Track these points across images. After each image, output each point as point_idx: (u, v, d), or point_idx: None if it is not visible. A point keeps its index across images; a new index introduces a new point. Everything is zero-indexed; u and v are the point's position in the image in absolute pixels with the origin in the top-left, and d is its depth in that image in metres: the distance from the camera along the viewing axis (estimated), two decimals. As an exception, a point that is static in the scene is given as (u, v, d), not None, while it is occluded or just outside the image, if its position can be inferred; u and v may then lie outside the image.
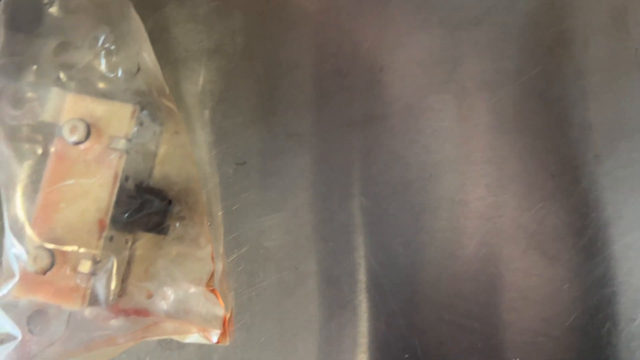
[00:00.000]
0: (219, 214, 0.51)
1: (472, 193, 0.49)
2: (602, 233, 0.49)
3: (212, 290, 0.48)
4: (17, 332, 0.44)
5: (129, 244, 0.47)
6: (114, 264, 0.44)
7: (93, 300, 0.44)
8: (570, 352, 0.49)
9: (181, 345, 0.50)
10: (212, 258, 0.49)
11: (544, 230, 0.50)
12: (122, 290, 0.47)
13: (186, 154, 0.49)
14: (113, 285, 0.44)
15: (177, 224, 0.47)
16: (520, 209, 0.50)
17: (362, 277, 0.50)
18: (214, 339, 0.48)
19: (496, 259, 0.50)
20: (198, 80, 0.51)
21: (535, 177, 0.49)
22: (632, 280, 0.48)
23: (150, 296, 0.46)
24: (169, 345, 0.50)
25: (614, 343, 0.48)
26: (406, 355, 0.48)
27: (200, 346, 0.50)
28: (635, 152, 0.48)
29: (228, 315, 0.50)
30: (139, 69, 0.46)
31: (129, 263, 0.48)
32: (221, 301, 0.48)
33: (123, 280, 0.47)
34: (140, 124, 0.46)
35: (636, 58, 0.51)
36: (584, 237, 0.49)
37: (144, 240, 0.47)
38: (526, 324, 0.49)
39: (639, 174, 0.48)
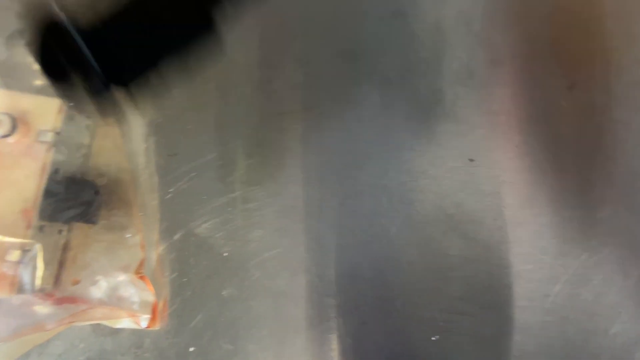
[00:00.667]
0: (153, 203, 0.51)
1: (395, 179, 0.50)
2: (517, 214, 0.49)
3: (142, 277, 0.49)
4: (-55, 319, 0.44)
5: (64, 233, 0.48)
6: (38, 252, 0.44)
7: (22, 288, 0.44)
8: (487, 328, 0.50)
9: (115, 331, 0.51)
10: (142, 246, 0.50)
11: (462, 212, 0.50)
12: (56, 278, 0.48)
13: (117, 146, 0.51)
14: (40, 272, 0.45)
15: (107, 213, 0.48)
16: (440, 193, 0.49)
17: (288, 255, 0.52)
18: (144, 324, 0.50)
19: (417, 240, 0.51)
20: None
21: (454, 162, 0.50)
22: (546, 258, 0.49)
23: (76, 283, 0.48)
24: (102, 331, 0.51)
25: (528, 319, 0.49)
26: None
27: (133, 331, 0.51)
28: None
29: (162, 302, 0.52)
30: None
31: (64, 251, 0.48)
32: (151, 287, 0.50)
33: (59, 268, 0.48)
34: (71, 117, 0.47)
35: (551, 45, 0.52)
36: (499, 219, 0.50)
37: (76, 230, 0.48)
38: (446, 303, 0.50)
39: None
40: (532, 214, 0.50)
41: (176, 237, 0.52)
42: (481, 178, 0.52)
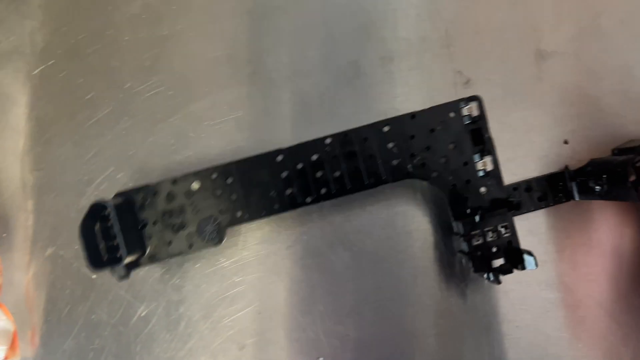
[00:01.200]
0: (22, 223, 0.50)
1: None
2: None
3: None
4: None
5: None
6: None
7: None
8: (370, 351, 0.49)
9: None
10: (0, 270, 0.48)
11: (350, 224, 0.49)
12: None
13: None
14: None
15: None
16: (330, 203, 0.48)
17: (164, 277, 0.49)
18: (1, 355, 0.47)
19: (306, 253, 0.49)
20: None
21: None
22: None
23: None
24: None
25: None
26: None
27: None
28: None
29: (31, 330, 0.49)
30: None
31: None
32: (9, 315, 0.47)
33: None
34: None
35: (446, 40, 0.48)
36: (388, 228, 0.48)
37: None
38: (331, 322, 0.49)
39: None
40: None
41: (43, 259, 0.49)
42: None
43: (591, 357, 0.47)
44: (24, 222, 0.49)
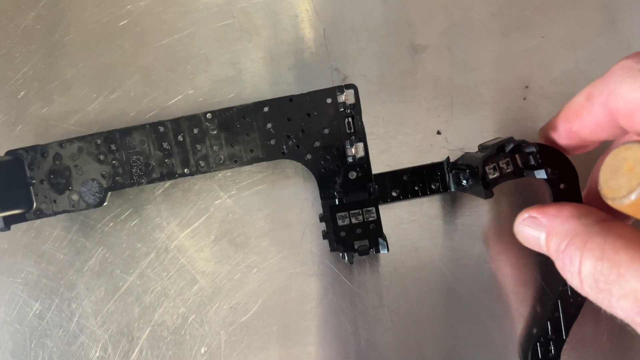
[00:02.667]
0: None
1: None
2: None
3: None
4: None
5: None
6: None
7: None
8: (256, 335, 0.51)
9: None
10: None
11: (230, 219, 0.51)
12: None
13: None
14: None
15: None
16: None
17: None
18: None
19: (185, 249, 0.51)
20: None
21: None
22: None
23: None
24: None
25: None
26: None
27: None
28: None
29: None
30: None
31: None
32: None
33: None
34: None
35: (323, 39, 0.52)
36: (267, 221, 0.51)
37: None
38: (215, 314, 0.51)
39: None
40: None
41: None
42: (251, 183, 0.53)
43: (463, 335, 0.51)
44: None
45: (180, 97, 0.52)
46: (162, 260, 0.51)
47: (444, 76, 0.51)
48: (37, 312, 0.51)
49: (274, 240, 0.51)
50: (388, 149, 0.51)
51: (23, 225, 0.50)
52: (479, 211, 0.51)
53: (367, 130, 0.45)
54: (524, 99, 0.52)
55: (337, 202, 0.46)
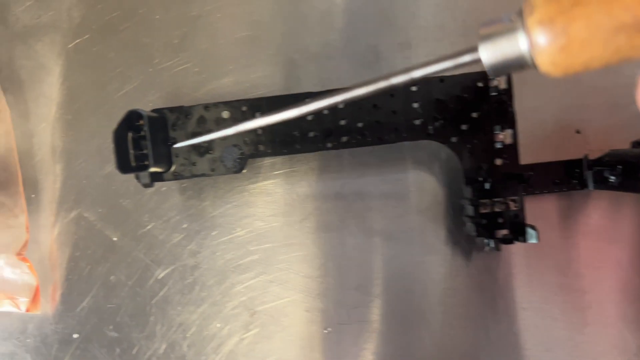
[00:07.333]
0: (49, 184, 0.51)
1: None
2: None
3: (24, 259, 0.47)
4: None
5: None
6: None
7: None
8: (377, 326, 0.49)
9: (-4, 316, 0.49)
10: (27, 227, 0.48)
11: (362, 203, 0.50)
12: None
13: (5, 126, 0.49)
14: None
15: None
16: (344, 181, 0.50)
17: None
18: (23, 308, 0.47)
19: (319, 226, 0.50)
20: (34, 55, 0.51)
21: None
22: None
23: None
24: (-17, 316, 0.49)
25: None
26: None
27: (17, 316, 0.50)
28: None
29: (52, 286, 0.51)
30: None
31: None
32: (33, 270, 0.48)
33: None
34: None
35: (463, 29, 0.50)
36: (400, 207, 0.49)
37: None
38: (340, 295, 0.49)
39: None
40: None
41: (67, 220, 0.51)
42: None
43: (596, 342, 0.47)
44: (52, 184, 0.51)
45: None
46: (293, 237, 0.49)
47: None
48: (159, 277, 0.50)
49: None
50: (527, 144, 0.46)
51: (151, 189, 0.50)
52: (616, 212, 0.48)
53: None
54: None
55: (486, 187, 0.43)
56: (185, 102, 0.46)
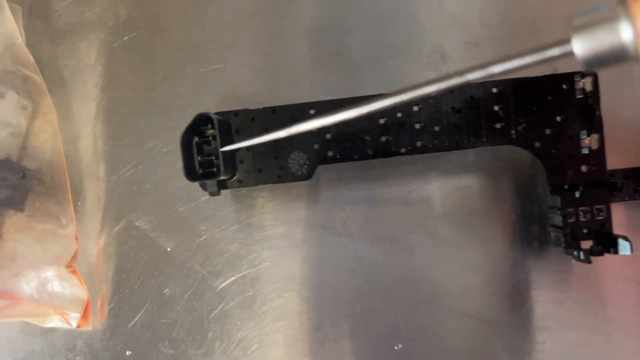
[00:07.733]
0: (95, 191, 0.49)
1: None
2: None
3: (73, 271, 0.45)
4: None
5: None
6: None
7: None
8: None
9: (46, 331, 0.48)
10: (76, 237, 0.45)
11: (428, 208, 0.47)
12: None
13: (54, 129, 0.46)
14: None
15: (37, 200, 0.44)
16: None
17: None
18: (74, 324, 0.45)
19: (376, 240, 0.47)
20: (77, 54, 0.48)
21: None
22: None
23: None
24: (32, 330, 0.48)
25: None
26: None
27: (65, 332, 0.47)
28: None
29: (100, 300, 0.48)
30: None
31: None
32: (83, 283, 0.45)
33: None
34: (2, 96, 0.43)
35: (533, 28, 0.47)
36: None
37: (3, 218, 0.44)
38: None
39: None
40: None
41: (116, 229, 0.48)
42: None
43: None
44: (99, 192, 0.48)
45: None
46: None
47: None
48: (217, 289, 0.47)
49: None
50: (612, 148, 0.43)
51: (205, 196, 0.47)
52: None
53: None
54: None
55: (577, 196, 0.40)
56: (241, 105, 0.43)
